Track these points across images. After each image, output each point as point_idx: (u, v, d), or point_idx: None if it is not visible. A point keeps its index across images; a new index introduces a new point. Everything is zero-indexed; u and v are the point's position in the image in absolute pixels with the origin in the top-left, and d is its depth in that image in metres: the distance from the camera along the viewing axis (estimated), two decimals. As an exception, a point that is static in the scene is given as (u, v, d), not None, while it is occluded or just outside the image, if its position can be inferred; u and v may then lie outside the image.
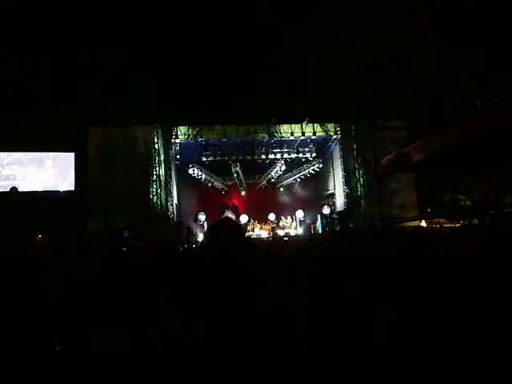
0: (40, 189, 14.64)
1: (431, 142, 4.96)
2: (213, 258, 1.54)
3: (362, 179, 16.80)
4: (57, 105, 13.13)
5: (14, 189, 13.06)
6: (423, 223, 12.33)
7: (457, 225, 9.41)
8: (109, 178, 14.80)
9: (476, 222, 7.89)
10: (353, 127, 16.99)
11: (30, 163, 14.89)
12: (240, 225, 1.74)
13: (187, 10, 12.14)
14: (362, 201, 16.67)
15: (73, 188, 14.93)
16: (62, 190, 14.83)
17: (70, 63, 12.68)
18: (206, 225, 18.50)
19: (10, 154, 14.76)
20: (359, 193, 16.91)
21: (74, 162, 15.07)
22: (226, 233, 1.58)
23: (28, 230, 11.24)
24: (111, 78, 13.21)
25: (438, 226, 10.63)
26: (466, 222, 8.90)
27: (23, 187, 14.40)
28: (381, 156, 7.32)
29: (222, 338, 1.36)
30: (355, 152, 17.03)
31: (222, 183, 20.35)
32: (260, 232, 19.28)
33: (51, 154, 15.08)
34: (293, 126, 17.26)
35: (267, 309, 1.46)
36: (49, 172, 14.95)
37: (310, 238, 12.45)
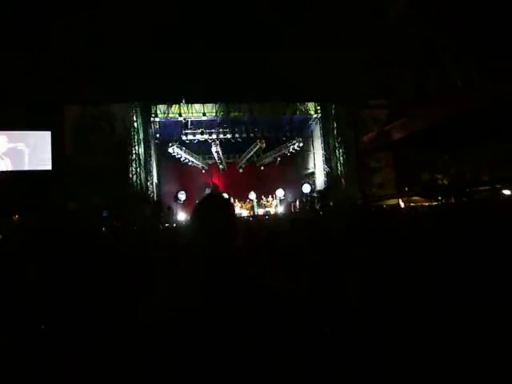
0: (16, 168, 14.28)
1: (413, 121, 4.99)
2: (203, 242, 1.46)
3: (341, 158, 16.89)
4: (32, 82, 12.75)
5: None
6: (400, 202, 12.54)
7: (434, 203, 9.60)
8: (87, 156, 14.53)
9: (453, 200, 8.06)
10: (333, 106, 16.99)
11: (6, 142, 14.47)
12: (229, 200, 1.62)
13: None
14: (342, 179, 16.80)
15: (50, 167, 14.59)
16: (38, 169, 14.47)
17: (46, 40, 12.29)
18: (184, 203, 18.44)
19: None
20: (339, 172, 17.03)
21: (50, 140, 14.69)
22: (217, 213, 1.49)
23: (4, 211, 11.02)
24: (89, 54, 12.88)
25: (416, 204, 10.82)
26: (443, 201, 9.08)
27: (-1, 167, 14.07)
28: (361, 134, 7.37)
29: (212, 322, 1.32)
30: (335, 131, 17.08)
31: (202, 162, 20.22)
32: (240, 211, 19.32)
33: (27, 133, 14.65)
34: (273, 104, 17.16)
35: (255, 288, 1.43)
36: (25, 151, 14.56)
37: (289, 216, 12.53)
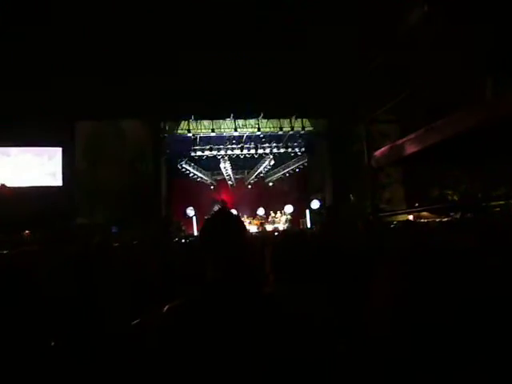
0: (27, 184, 14.38)
1: (427, 135, 4.93)
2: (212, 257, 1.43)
3: (350, 174, 16.81)
4: (43, 99, 12.91)
5: (2, 186, 12.95)
6: (410, 217, 12.40)
7: (444, 219, 9.46)
8: (97, 172, 14.64)
9: (468, 215, 7.95)
10: (341, 122, 16.97)
11: (17, 158, 14.62)
12: (238, 216, 1.60)
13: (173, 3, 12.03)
14: (351, 195, 16.70)
15: (60, 183, 14.70)
16: (49, 185, 14.58)
17: (57, 56, 12.47)
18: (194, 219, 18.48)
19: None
20: (348, 187, 16.94)
21: (61, 156, 14.83)
22: (226, 229, 1.47)
23: (15, 226, 11.07)
24: (99, 71, 13.04)
25: (427, 220, 10.69)
26: (457, 216, 8.95)
27: (10, 182, 14.15)
28: (371, 150, 7.32)
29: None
30: (344, 146, 17.05)
31: (210, 178, 20.29)
32: (249, 227, 19.28)
33: (38, 149, 14.80)
34: (281, 120, 17.22)
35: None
36: (36, 167, 14.68)
37: (300, 232, 12.43)
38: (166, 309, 1.39)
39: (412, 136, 5.50)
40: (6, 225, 10.99)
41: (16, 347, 1.56)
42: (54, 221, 12.18)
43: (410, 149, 5.50)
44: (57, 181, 14.70)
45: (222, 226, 1.49)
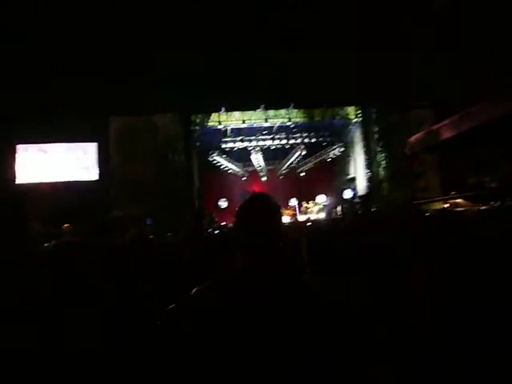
0: (63, 179, 14.84)
1: (462, 120, 4.78)
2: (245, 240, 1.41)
3: (383, 162, 16.51)
4: (78, 95, 13.24)
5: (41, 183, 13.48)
6: (446, 206, 12.05)
7: (482, 207, 9.13)
8: (130, 166, 14.92)
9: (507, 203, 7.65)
10: (374, 110, 16.65)
11: (53, 154, 15.08)
12: (275, 203, 1.55)
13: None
14: (384, 184, 16.42)
15: (95, 177, 15.10)
16: (85, 180, 15.00)
17: (92, 54, 12.75)
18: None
19: (35, 145, 14.99)
20: (381, 176, 16.65)
21: (96, 151, 15.22)
22: (261, 210, 1.44)
23: (54, 220, 11.42)
24: (130, 66, 13.26)
25: (464, 208, 10.34)
26: (496, 204, 8.63)
27: (48, 178, 14.64)
28: (406, 138, 7.15)
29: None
30: (376, 135, 16.73)
31: (242, 169, 20.31)
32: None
33: (73, 144, 15.24)
34: (312, 110, 17.04)
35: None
36: (71, 161, 15.12)
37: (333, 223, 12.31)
38: (194, 290, 1.40)
39: (447, 122, 5.34)
40: (46, 219, 11.37)
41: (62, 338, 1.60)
42: (91, 214, 12.52)
43: (445, 134, 5.34)
44: (92, 175, 15.11)
45: (258, 211, 1.46)
